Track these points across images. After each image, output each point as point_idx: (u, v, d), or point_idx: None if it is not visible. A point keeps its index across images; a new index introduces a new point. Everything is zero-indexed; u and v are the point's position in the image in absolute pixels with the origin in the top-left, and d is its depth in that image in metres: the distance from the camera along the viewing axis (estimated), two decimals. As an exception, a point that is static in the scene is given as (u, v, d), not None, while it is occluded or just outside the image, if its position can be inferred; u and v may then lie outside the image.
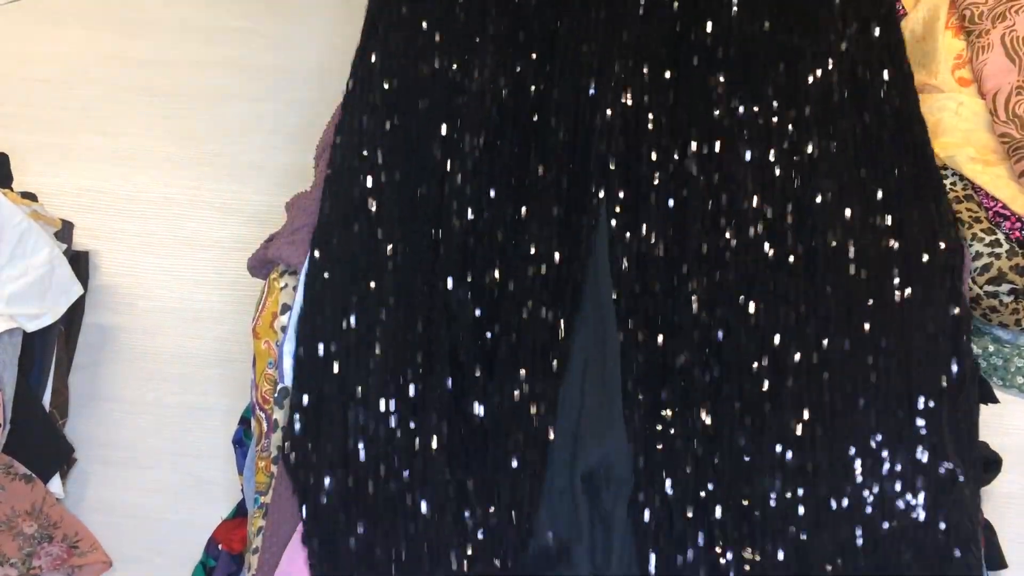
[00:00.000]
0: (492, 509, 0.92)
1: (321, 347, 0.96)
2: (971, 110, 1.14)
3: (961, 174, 1.12)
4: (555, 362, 0.96)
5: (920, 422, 0.91)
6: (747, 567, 0.89)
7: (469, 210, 1.01)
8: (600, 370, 0.96)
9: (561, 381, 0.96)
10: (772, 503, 0.90)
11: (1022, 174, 1.09)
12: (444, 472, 0.92)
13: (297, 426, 0.95)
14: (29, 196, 1.26)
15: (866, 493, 0.90)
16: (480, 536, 0.91)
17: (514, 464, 0.92)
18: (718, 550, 0.90)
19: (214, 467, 1.19)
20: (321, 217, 1.02)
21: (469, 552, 0.91)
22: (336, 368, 0.96)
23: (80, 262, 1.28)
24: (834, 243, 0.97)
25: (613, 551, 0.91)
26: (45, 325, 1.14)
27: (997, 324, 1.10)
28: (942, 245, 0.96)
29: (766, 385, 0.93)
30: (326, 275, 0.99)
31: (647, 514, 0.91)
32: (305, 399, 0.95)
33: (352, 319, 0.97)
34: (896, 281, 0.95)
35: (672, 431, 0.93)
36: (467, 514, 0.92)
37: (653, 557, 0.90)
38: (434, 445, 0.93)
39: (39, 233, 1.15)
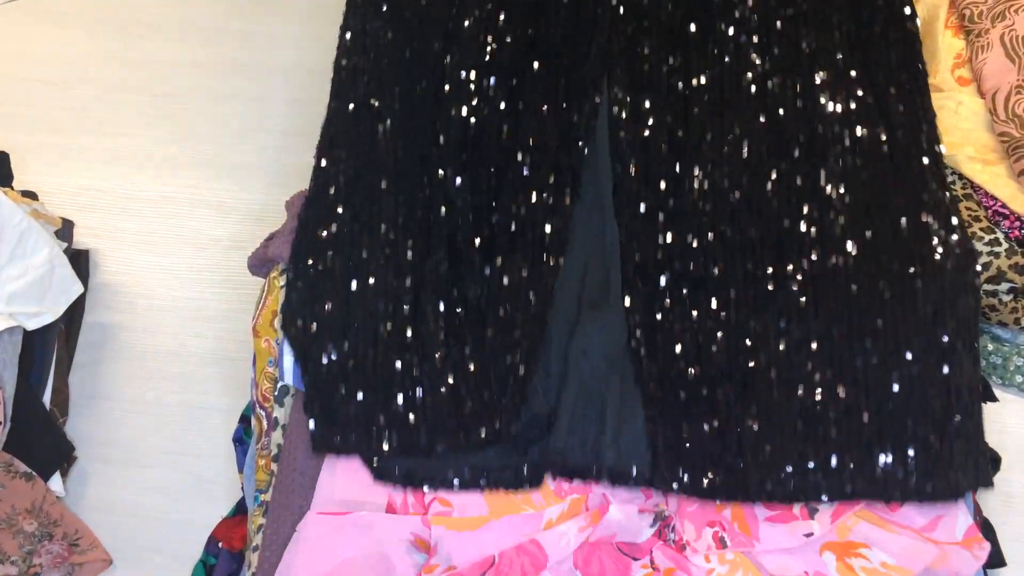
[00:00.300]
0: (487, 379, 0.93)
1: (324, 232, 1.00)
2: (970, 109, 1.15)
3: (960, 173, 1.13)
4: (553, 249, 0.97)
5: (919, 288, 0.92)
6: (753, 431, 0.90)
7: (467, 105, 1.03)
8: (600, 258, 0.98)
9: (559, 267, 0.97)
10: (774, 383, 0.91)
11: (1021, 173, 1.09)
12: (441, 346, 0.94)
13: (294, 296, 0.98)
14: (29, 195, 1.26)
15: (875, 360, 0.90)
16: (474, 404, 0.93)
17: (511, 338, 0.94)
18: (717, 424, 0.91)
19: (214, 465, 1.19)
20: (327, 117, 1.06)
21: (464, 418, 0.93)
22: (336, 247, 0.99)
23: (80, 261, 1.28)
24: (835, 128, 0.98)
25: (606, 430, 0.92)
26: (45, 324, 1.15)
27: (996, 323, 1.10)
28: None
29: (770, 270, 0.94)
30: (329, 166, 1.03)
31: (645, 392, 0.92)
32: (306, 270, 0.98)
33: (354, 206, 1.00)
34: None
35: (671, 317, 0.94)
36: (463, 384, 0.93)
37: (654, 434, 0.91)
38: (430, 321, 0.95)
39: (39, 232, 1.15)
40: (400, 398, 0.93)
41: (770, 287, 0.94)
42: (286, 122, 1.38)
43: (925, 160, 0.97)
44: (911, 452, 0.88)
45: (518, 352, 0.94)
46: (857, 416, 0.89)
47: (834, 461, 0.89)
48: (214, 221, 1.33)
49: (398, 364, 0.94)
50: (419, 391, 0.93)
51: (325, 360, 0.95)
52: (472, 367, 0.94)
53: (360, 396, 0.94)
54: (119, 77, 1.44)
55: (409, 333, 0.95)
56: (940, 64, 1.18)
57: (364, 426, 0.94)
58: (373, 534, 0.91)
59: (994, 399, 1.04)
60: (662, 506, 0.89)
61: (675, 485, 0.90)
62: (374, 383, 0.94)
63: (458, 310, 0.96)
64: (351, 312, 0.96)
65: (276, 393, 1.00)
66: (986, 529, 1.00)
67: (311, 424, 0.94)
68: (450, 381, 0.93)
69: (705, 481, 0.90)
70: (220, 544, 1.08)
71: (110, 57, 1.45)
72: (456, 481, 0.93)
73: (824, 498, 0.88)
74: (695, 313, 0.94)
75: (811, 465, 0.89)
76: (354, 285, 0.97)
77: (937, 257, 0.92)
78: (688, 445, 0.91)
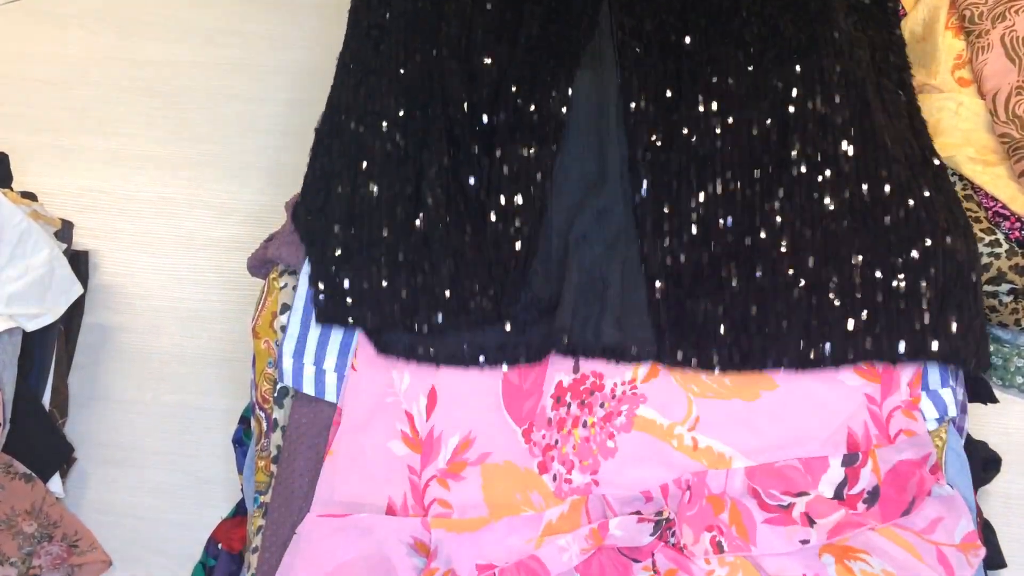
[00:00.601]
0: (487, 261, 0.97)
1: (343, 117, 1.08)
2: (971, 110, 1.14)
3: (961, 174, 1.12)
4: (552, 134, 1.01)
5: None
6: (759, 307, 0.93)
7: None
8: (598, 144, 1.02)
9: (559, 152, 1.01)
10: (780, 259, 0.94)
11: (1022, 174, 1.09)
12: (443, 232, 0.98)
13: (306, 187, 1.05)
14: (29, 196, 1.26)
15: (892, 237, 0.93)
16: (475, 284, 0.97)
17: (512, 225, 0.98)
18: (722, 300, 0.94)
19: (214, 466, 1.19)
20: (345, 39, 1.15)
21: (465, 296, 0.96)
22: (342, 142, 1.06)
23: (80, 262, 1.28)
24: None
25: (607, 311, 0.95)
26: (45, 325, 1.15)
27: (997, 324, 1.10)
28: None
29: (768, 121, 0.98)
30: (342, 77, 1.12)
31: (649, 272, 0.96)
32: (316, 165, 1.06)
33: (360, 107, 1.08)
34: None
35: (677, 197, 0.98)
36: (464, 265, 0.97)
37: (659, 312, 0.95)
38: (432, 211, 0.99)
39: (39, 233, 1.15)
40: (403, 276, 0.98)
41: (771, 169, 0.97)
42: (286, 122, 1.38)
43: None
44: (917, 320, 0.90)
45: (519, 237, 0.97)
46: (866, 287, 0.92)
47: (847, 326, 0.91)
48: (213, 222, 1.33)
49: (400, 249, 0.99)
50: (423, 268, 0.97)
51: (331, 241, 1.00)
52: (473, 250, 0.98)
53: (364, 273, 0.98)
54: (119, 77, 1.44)
55: (413, 221, 0.99)
56: (940, 65, 1.18)
57: (368, 300, 0.97)
58: (373, 536, 0.91)
59: (995, 400, 1.04)
60: (665, 511, 0.89)
61: (680, 357, 0.93)
62: (378, 262, 0.98)
63: (459, 200, 1.00)
64: (356, 202, 1.01)
65: (276, 394, 1.00)
66: (987, 530, 1.00)
67: (317, 296, 0.98)
68: (452, 260, 0.97)
69: (715, 356, 0.93)
70: (220, 545, 1.08)
71: (110, 57, 1.45)
72: (455, 356, 0.96)
73: (832, 365, 0.92)
74: (701, 195, 0.97)
75: (820, 333, 0.91)
76: (359, 177, 1.03)
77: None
78: (694, 322, 0.94)
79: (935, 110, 1.15)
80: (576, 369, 0.96)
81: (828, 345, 0.91)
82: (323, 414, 0.98)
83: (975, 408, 1.08)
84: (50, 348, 1.19)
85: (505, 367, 0.96)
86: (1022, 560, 1.05)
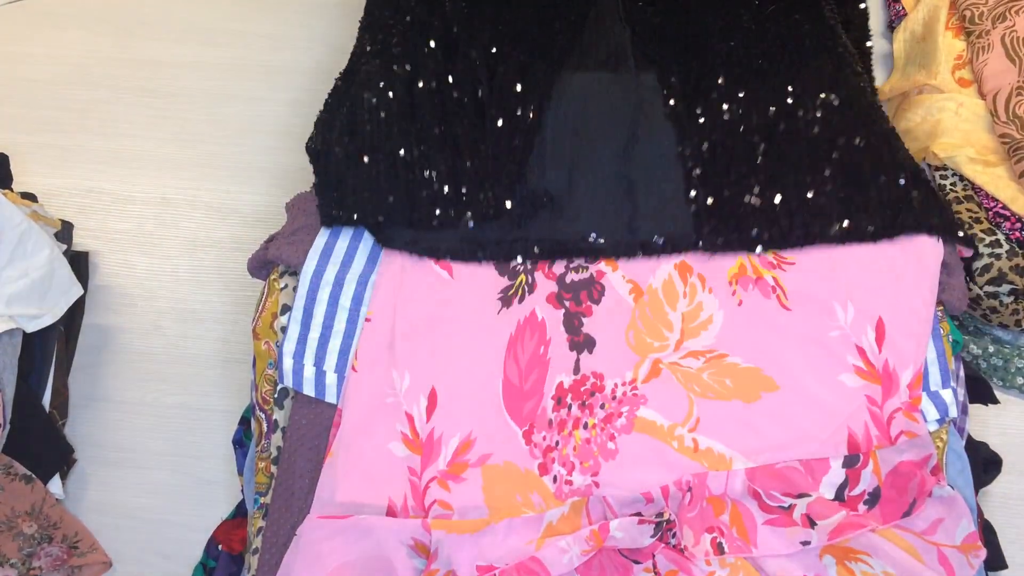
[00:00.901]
0: (486, 160, 1.02)
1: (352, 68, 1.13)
2: (971, 111, 1.14)
3: (961, 174, 1.12)
4: (555, 50, 1.09)
5: None
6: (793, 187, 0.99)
7: None
8: (615, 34, 1.11)
9: (562, 66, 1.09)
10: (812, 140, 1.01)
11: (1022, 174, 1.09)
12: (443, 128, 1.04)
13: (320, 121, 1.09)
14: (29, 196, 1.26)
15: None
16: (473, 178, 1.02)
17: (511, 118, 1.04)
18: (756, 181, 1.00)
19: (214, 468, 1.19)
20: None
21: (462, 193, 1.02)
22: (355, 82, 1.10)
23: (80, 262, 1.28)
24: None
25: (638, 205, 1.00)
26: (45, 325, 1.14)
27: (997, 325, 1.10)
28: None
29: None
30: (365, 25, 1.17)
31: (684, 157, 1.02)
32: (330, 103, 1.10)
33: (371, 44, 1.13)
34: None
35: (707, 87, 1.05)
36: (461, 164, 1.02)
37: (696, 197, 1.00)
38: (433, 127, 1.04)
39: (39, 234, 1.14)
40: (404, 173, 1.02)
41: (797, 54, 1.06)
42: (286, 122, 1.38)
43: None
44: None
45: (517, 130, 1.03)
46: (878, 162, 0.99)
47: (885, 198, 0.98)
48: (214, 223, 1.33)
49: (402, 151, 1.03)
50: (423, 165, 1.02)
51: (338, 149, 1.04)
52: (473, 146, 1.03)
53: (367, 173, 1.03)
54: (119, 77, 1.44)
55: (412, 123, 1.05)
56: (940, 65, 1.18)
57: (370, 198, 1.02)
58: (373, 537, 0.91)
59: (995, 401, 1.04)
60: (666, 513, 0.89)
61: (721, 241, 0.98)
62: (379, 163, 1.03)
63: (460, 99, 1.06)
64: (358, 112, 1.06)
65: (276, 395, 1.00)
66: (987, 531, 1.00)
67: (325, 205, 1.04)
68: (451, 156, 1.02)
69: (756, 236, 0.98)
70: (220, 547, 1.08)
71: (110, 57, 1.45)
72: (456, 251, 1.01)
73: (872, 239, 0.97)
74: (728, 84, 1.04)
75: (858, 206, 0.98)
76: (366, 93, 1.07)
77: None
78: (733, 205, 0.99)
79: (935, 110, 1.15)
80: (576, 370, 0.96)
81: (864, 214, 0.97)
82: (323, 415, 0.98)
83: (976, 409, 1.08)
84: (50, 349, 1.19)
85: (519, 258, 1.00)
86: (1022, 561, 1.05)
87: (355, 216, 1.02)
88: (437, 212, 1.02)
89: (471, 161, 1.03)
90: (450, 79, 1.08)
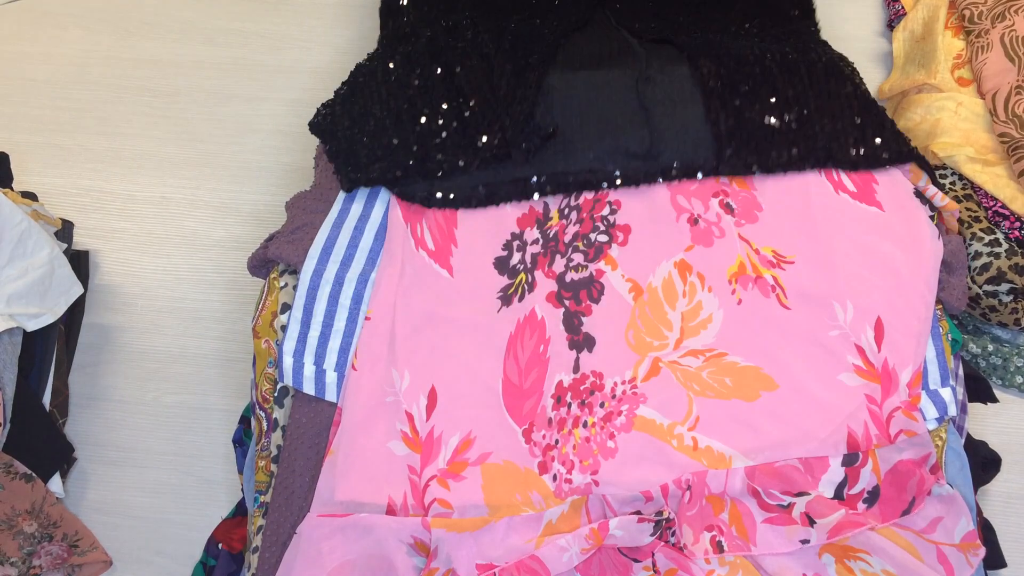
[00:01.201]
0: (492, 99, 1.05)
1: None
2: (970, 110, 1.15)
3: (960, 174, 1.13)
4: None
5: None
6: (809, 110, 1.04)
7: None
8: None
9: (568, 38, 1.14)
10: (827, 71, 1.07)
11: (1021, 174, 1.09)
12: (443, 74, 1.09)
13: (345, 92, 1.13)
14: (29, 196, 1.26)
15: None
16: (480, 121, 1.04)
17: (516, 56, 1.08)
18: (775, 104, 1.04)
19: (214, 466, 1.19)
20: None
21: (470, 136, 1.04)
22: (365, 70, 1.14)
23: (80, 262, 1.28)
24: None
25: (656, 133, 1.03)
26: (45, 325, 1.14)
27: (996, 324, 1.10)
28: None
29: None
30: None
31: (705, 86, 1.05)
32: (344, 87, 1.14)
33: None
34: None
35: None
36: (466, 106, 1.05)
37: (718, 122, 1.03)
38: (438, 85, 1.08)
39: (39, 233, 1.14)
40: (411, 125, 1.05)
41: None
42: (286, 122, 1.38)
43: None
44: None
45: (525, 65, 1.07)
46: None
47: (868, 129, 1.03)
48: (214, 222, 1.33)
49: (406, 104, 1.07)
50: (426, 114, 1.06)
51: (345, 120, 1.08)
52: (479, 89, 1.06)
53: (378, 132, 1.06)
54: (119, 77, 1.44)
55: (412, 80, 1.09)
56: (940, 64, 1.18)
57: (383, 155, 1.04)
58: (373, 536, 0.91)
59: (995, 400, 1.04)
60: (665, 511, 0.89)
61: (741, 163, 1.01)
62: (387, 120, 1.06)
63: (464, 60, 1.09)
64: (359, 78, 1.12)
65: (276, 394, 1.00)
66: (986, 530, 1.00)
67: (337, 167, 1.06)
68: (457, 102, 1.06)
69: (775, 156, 1.01)
70: (220, 545, 1.08)
71: (110, 57, 1.45)
72: (472, 198, 1.03)
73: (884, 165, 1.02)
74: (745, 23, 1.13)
75: (872, 127, 1.03)
76: (365, 70, 1.13)
77: None
78: (753, 127, 1.02)
79: (935, 109, 1.15)
80: (576, 369, 0.96)
81: (879, 140, 1.01)
82: (323, 414, 0.98)
83: (975, 408, 1.08)
84: (50, 348, 1.19)
85: (537, 196, 1.03)
86: (1022, 560, 1.05)
87: (373, 174, 1.04)
88: (440, 157, 1.04)
89: (476, 101, 1.05)
90: (457, 43, 1.11)
